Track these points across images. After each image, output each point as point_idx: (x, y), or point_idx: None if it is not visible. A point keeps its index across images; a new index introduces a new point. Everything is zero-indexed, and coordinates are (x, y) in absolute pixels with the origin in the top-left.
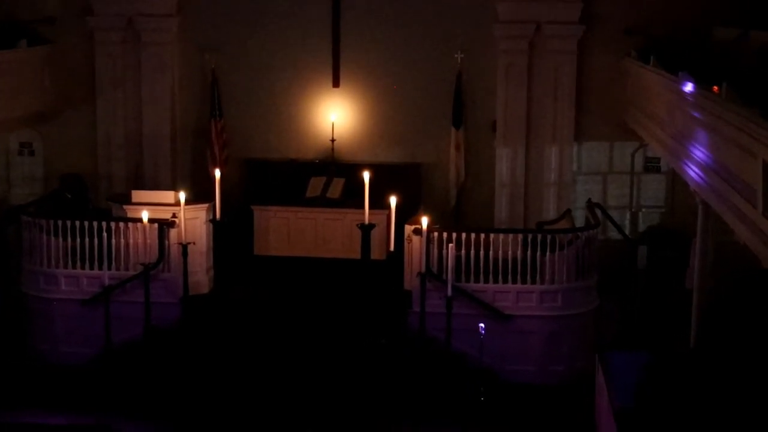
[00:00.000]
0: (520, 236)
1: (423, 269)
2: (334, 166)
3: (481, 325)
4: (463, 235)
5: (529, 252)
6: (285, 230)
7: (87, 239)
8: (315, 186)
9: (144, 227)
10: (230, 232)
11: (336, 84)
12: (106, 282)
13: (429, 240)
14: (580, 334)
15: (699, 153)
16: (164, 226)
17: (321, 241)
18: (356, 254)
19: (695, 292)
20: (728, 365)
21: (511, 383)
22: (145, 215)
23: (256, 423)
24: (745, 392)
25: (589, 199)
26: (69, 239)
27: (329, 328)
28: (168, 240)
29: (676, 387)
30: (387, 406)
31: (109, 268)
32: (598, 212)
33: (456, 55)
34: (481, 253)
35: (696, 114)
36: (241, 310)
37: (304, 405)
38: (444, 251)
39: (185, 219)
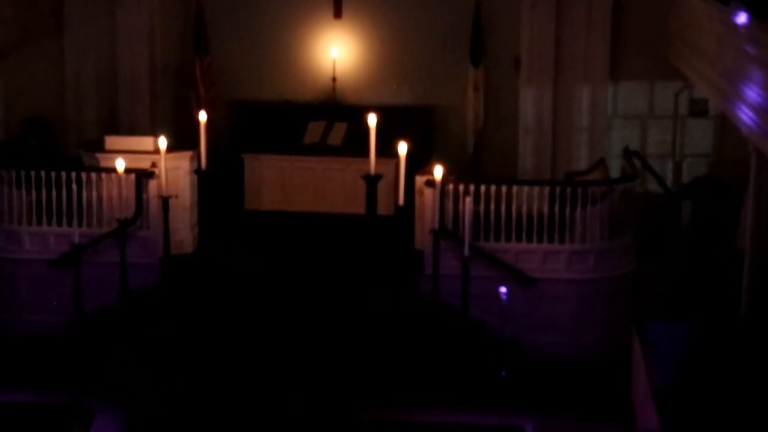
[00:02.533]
0: (546, 189)
1: (436, 226)
2: (336, 108)
3: (502, 289)
4: (482, 187)
5: (556, 207)
6: (279, 182)
7: (54, 192)
8: (314, 131)
9: (119, 178)
10: (217, 184)
11: (338, 15)
12: (77, 240)
13: (443, 193)
14: (614, 300)
15: (753, 94)
16: (142, 176)
17: (320, 194)
18: (360, 209)
19: (747, 253)
20: None
21: (536, 356)
22: (120, 164)
23: (244, 397)
24: None
25: (626, 147)
26: (34, 192)
27: (328, 292)
28: (147, 193)
29: (724, 361)
30: (393, 382)
31: (80, 225)
32: (636, 162)
33: None
34: (503, 208)
35: (750, 49)
36: (229, 272)
37: (298, 378)
38: (460, 206)
39: (166, 169)
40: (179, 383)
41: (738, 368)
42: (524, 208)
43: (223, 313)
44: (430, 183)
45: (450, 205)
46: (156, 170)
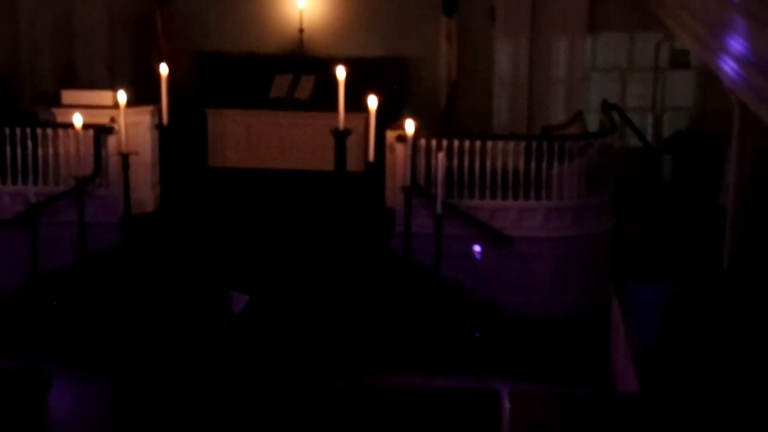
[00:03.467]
0: (522, 144)
1: (408, 183)
2: (303, 61)
3: (476, 248)
4: (456, 142)
5: (533, 162)
6: (245, 137)
7: (8, 149)
8: (280, 85)
9: (77, 134)
10: (180, 140)
11: None
12: (33, 199)
13: (415, 148)
14: (593, 259)
15: (736, 44)
16: (101, 132)
17: (287, 150)
18: (329, 165)
19: (730, 210)
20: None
21: (512, 317)
22: (77, 119)
23: (206, 366)
24: None
25: (605, 100)
26: None
27: (296, 253)
28: (105, 149)
29: (706, 321)
30: (363, 347)
31: (36, 184)
32: (615, 115)
33: None
34: (477, 163)
35: None
36: (193, 232)
37: (265, 343)
38: (433, 162)
39: (126, 124)
40: (142, 344)
41: (721, 328)
42: (499, 164)
43: (187, 274)
44: (402, 138)
45: (422, 161)
46: (115, 126)
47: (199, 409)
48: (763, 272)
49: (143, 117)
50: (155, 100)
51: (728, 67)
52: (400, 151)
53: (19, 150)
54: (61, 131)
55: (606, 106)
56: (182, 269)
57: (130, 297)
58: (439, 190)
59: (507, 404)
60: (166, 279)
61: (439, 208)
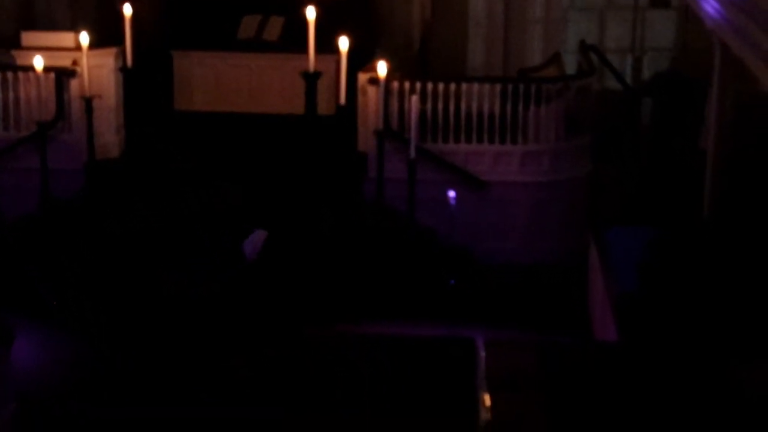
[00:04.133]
0: (498, 86)
1: (380, 127)
2: (272, 0)
3: (451, 193)
4: (429, 85)
5: (509, 105)
6: (212, 80)
7: None
8: (248, 26)
9: (38, 77)
10: (145, 83)
11: None
12: None
13: (388, 91)
14: (570, 204)
15: None
16: (63, 75)
17: (256, 94)
18: (299, 109)
19: (710, 153)
20: (749, 239)
21: (488, 264)
22: (38, 62)
23: (174, 321)
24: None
25: (583, 41)
26: None
27: (266, 199)
28: (68, 93)
29: (686, 267)
30: (336, 296)
31: None
32: (594, 57)
33: None
34: (451, 106)
35: None
36: (159, 178)
37: (239, 292)
38: (406, 105)
39: (89, 67)
40: (105, 293)
41: (701, 274)
42: (474, 107)
43: (154, 221)
44: (374, 80)
45: (395, 104)
46: (78, 68)
47: (173, 362)
48: (744, 216)
49: (107, 59)
50: (119, 41)
51: (710, 6)
52: (373, 93)
53: None
54: (21, 74)
55: (584, 47)
56: (156, 227)
57: (101, 255)
58: (413, 134)
59: (482, 353)
60: (140, 238)
61: (412, 153)
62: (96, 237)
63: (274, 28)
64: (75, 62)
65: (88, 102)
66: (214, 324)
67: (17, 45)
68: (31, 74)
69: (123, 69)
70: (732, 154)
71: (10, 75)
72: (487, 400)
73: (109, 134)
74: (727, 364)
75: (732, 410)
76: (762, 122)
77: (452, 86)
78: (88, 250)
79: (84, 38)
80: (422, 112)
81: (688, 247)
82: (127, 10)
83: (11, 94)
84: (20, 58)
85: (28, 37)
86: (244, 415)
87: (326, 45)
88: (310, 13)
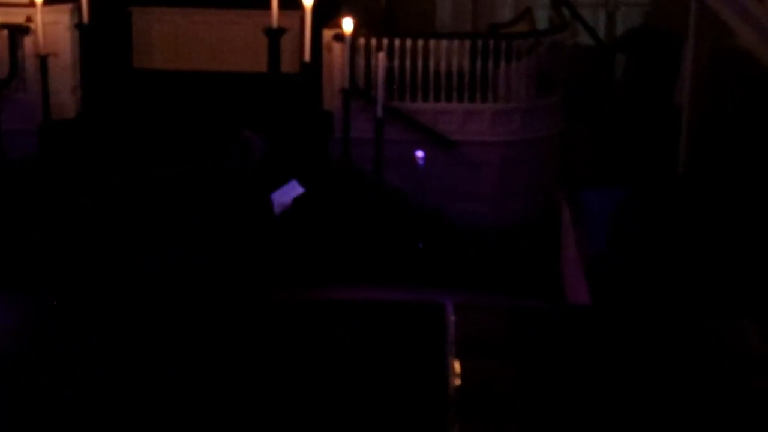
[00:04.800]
0: (467, 42)
1: (346, 85)
2: None
3: (419, 153)
4: (397, 41)
5: (479, 62)
6: (172, 37)
7: None
8: None
9: None
10: (102, 41)
11: None
12: None
13: (354, 48)
14: (542, 164)
15: None
16: (16, 32)
17: (218, 51)
18: (262, 67)
19: (685, 110)
20: (724, 198)
21: (459, 226)
22: None
23: (132, 285)
24: (748, 227)
25: None
26: None
27: (224, 157)
28: (22, 51)
29: (660, 228)
30: (302, 260)
31: None
32: (566, 11)
33: None
34: (419, 64)
35: None
36: (118, 139)
37: (198, 257)
38: (372, 62)
39: (43, 23)
40: (61, 258)
41: (674, 234)
42: (443, 65)
43: (113, 185)
44: (339, 37)
45: (361, 62)
46: (31, 25)
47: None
48: (720, 175)
49: (62, 15)
50: None
51: None
52: (338, 50)
53: None
54: None
55: (556, 2)
56: (129, 202)
57: (74, 232)
58: (380, 93)
59: (452, 317)
60: (114, 215)
61: (379, 112)
62: (67, 211)
63: None
64: (29, 18)
65: (42, 60)
66: (190, 305)
67: None
68: None
69: (79, 25)
70: (708, 111)
71: None
72: (456, 366)
73: (64, 94)
74: (700, 324)
75: (704, 370)
76: (738, 77)
77: (420, 43)
78: (60, 225)
79: None
80: (389, 70)
81: (662, 207)
82: None
83: None
84: None
85: None
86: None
87: (290, 0)
88: None
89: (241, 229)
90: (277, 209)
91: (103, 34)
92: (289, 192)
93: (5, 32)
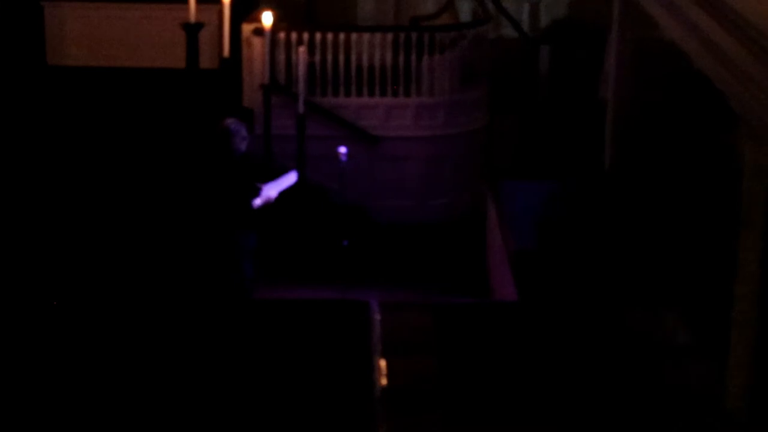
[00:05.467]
0: (389, 36)
1: (267, 80)
2: None
3: (342, 149)
4: (318, 35)
5: (401, 56)
6: (87, 33)
7: None
8: None
9: None
10: (13, 36)
11: None
12: None
13: (274, 43)
14: (467, 158)
15: None
16: None
17: (134, 47)
18: (180, 62)
19: (610, 104)
20: (651, 191)
21: (383, 222)
22: None
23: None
24: (673, 221)
25: None
26: None
27: (147, 157)
28: None
29: (586, 222)
30: (222, 258)
31: None
32: (489, 3)
33: None
34: (341, 58)
35: None
36: (31, 136)
37: (117, 258)
38: (293, 57)
39: None
40: None
41: (603, 229)
42: (365, 59)
43: (23, 182)
44: (259, 31)
45: (282, 57)
46: None
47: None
48: (645, 169)
49: None
50: None
51: None
52: (258, 45)
53: None
54: None
55: None
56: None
57: None
58: (301, 88)
59: (377, 315)
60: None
61: (301, 108)
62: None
63: None
64: None
65: None
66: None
67: None
68: None
69: None
70: (632, 103)
71: None
72: (383, 364)
73: None
74: (627, 314)
75: (630, 360)
76: (662, 70)
77: (342, 36)
78: None
79: None
80: (311, 65)
81: (588, 202)
82: None
83: None
84: None
85: None
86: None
87: None
88: None
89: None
90: (260, 200)
91: (14, 29)
92: (281, 183)
93: None
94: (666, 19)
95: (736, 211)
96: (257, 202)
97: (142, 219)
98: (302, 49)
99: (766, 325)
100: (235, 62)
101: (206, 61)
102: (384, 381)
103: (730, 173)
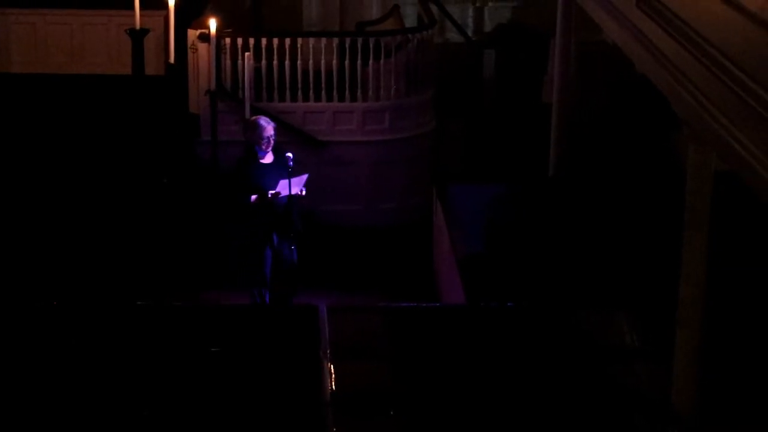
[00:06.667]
0: (335, 41)
1: (213, 86)
2: None
3: (289, 154)
4: (263, 40)
5: (347, 61)
6: (31, 40)
7: None
8: None
9: None
10: None
11: None
12: None
13: (220, 48)
14: (414, 162)
15: None
16: None
17: (79, 53)
18: (126, 69)
19: (554, 107)
20: (597, 193)
21: (330, 226)
22: None
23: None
24: (619, 222)
25: None
26: None
27: (93, 165)
28: None
29: (533, 225)
30: (172, 266)
31: None
32: (434, 8)
33: None
34: (287, 63)
35: None
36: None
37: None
38: (239, 62)
39: None
40: None
41: (549, 232)
42: (311, 64)
43: None
44: (205, 37)
45: (228, 62)
46: None
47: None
48: (591, 171)
49: None
50: None
51: None
52: (204, 51)
53: None
54: None
55: None
56: None
57: None
58: (247, 93)
59: (326, 320)
60: None
61: (247, 113)
62: None
63: None
64: None
65: None
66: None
67: None
68: None
69: None
70: (576, 107)
71: None
72: (331, 369)
73: None
74: (575, 316)
75: (579, 362)
76: (606, 73)
77: (287, 41)
78: None
79: None
80: (257, 70)
81: (534, 203)
82: None
83: None
84: None
85: None
86: None
87: (154, 0)
88: None
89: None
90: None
91: None
92: (296, 185)
93: None
94: (609, 23)
95: (680, 212)
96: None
97: (87, 225)
98: (248, 55)
99: (711, 326)
100: (181, 68)
101: (152, 67)
102: (333, 385)
103: (674, 175)
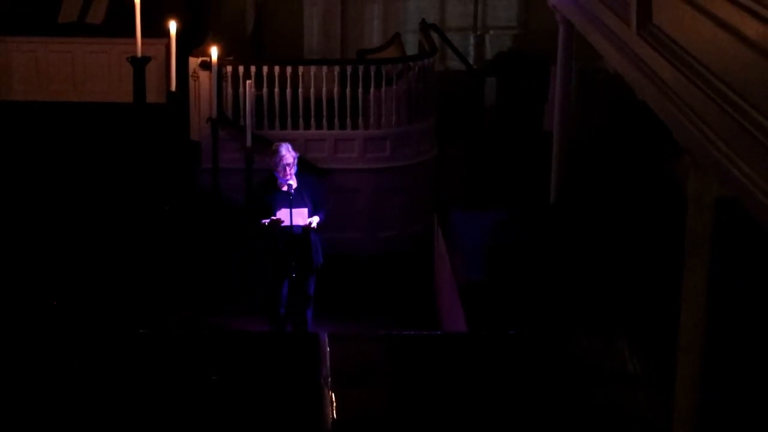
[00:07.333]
0: (336, 69)
1: (214, 114)
2: None
3: (291, 182)
4: (265, 68)
5: (348, 88)
6: (32, 68)
7: None
8: (70, 8)
9: None
10: None
11: None
12: None
13: (221, 76)
14: (415, 190)
15: None
16: None
17: (80, 81)
18: (128, 97)
19: (555, 136)
20: (598, 219)
21: (332, 255)
22: None
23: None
24: (620, 249)
25: (423, 20)
26: None
27: (95, 192)
28: None
29: (534, 252)
30: (173, 292)
31: None
32: (435, 36)
33: None
34: (288, 91)
35: None
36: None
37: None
38: (241, 90)
39: None
40: None
41: (551, 259)
42: (312, 91)
43: None
44: (206, 65)
45: (229, 90)
46: None
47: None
48: (592, 198)
49: None
50: None
51: None
52: (205, 79)
53: None
54: None
55: (424, 27)
56: None
57: None
58: (249, 121)
59: (327, 347)
60: None
61: (248, 141)
62: None
63: (98, 10)
64: None
65: None
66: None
67: None
68: None
69: None
70: (577, 134)
71: None
72: (333, 397)
73: None
74: (576, 343)
75: (580, 388)
76: (606, 100)
77: (288, 69)
78: None
79: None
80: (258, 98)
81: (535, 230)
82: None
83: None
84: None
85: None
86: None
87: (155, 28)
88: None
89: None
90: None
91: None
92: (297, 216)
93: None
94: (609, 51)
95: (681, 239)
96: (266, 221)
97: (90, 252)
98: (249, 82)
99: (711, 352)
100: (182, 96)
101: (154, 95)
102: (334, 413)
103: (675, 202)
